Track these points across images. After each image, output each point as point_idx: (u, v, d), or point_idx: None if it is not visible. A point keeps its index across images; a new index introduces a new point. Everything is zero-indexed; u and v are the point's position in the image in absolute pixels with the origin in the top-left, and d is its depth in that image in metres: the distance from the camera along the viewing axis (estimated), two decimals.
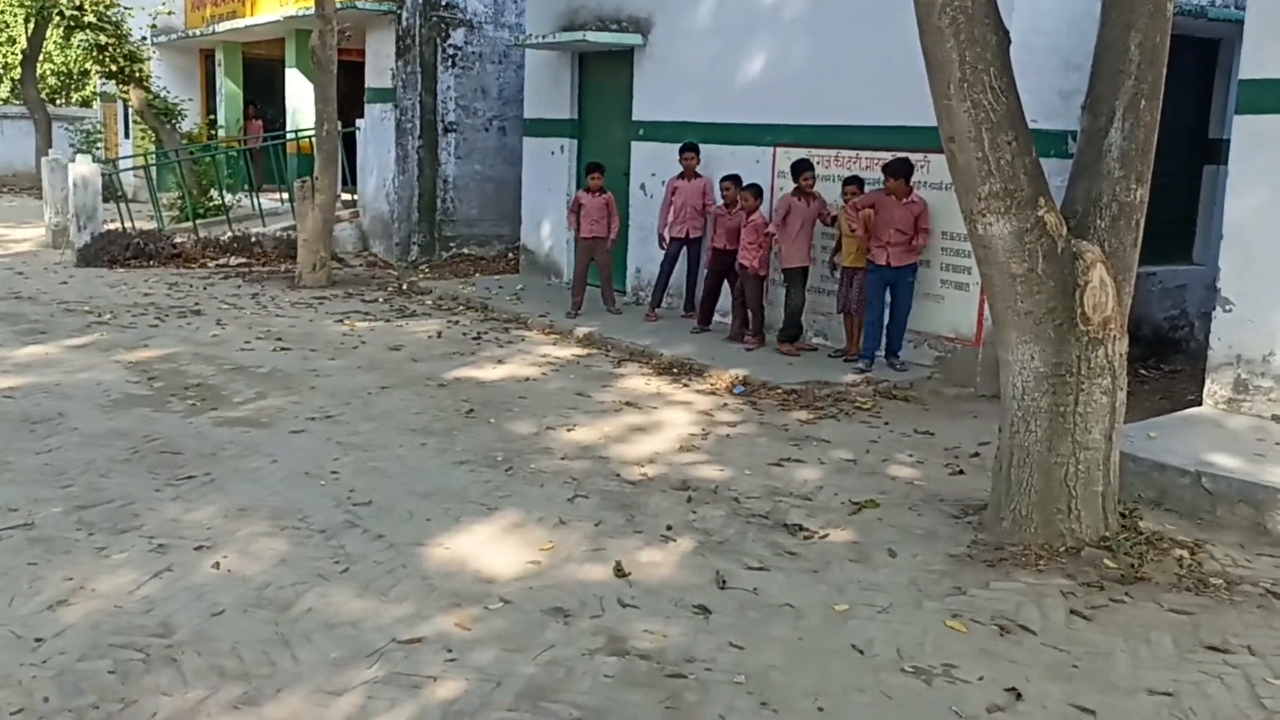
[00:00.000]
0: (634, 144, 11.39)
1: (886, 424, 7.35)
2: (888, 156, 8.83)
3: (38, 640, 3.93)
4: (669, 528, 5.30)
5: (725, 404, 7.79)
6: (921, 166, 8.55)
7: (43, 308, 10.69)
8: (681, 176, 10.22)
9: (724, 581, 4.66)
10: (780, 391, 7.99)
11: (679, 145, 10.25)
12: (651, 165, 11.13)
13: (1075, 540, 5.02)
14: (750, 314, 9.37)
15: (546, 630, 4.16)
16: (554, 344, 9.76)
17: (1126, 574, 4.77)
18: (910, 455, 6.65)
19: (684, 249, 10.29)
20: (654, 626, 4.21)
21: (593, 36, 11.20)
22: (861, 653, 4.06)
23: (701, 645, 4.08)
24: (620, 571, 4.73)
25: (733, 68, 10.18)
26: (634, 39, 11.11)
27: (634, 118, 11.39)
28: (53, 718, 3.43)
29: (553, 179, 12.67)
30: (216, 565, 4.67)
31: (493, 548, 4.99)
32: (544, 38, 11.85)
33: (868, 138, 9.02)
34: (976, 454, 6.69)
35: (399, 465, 6.16)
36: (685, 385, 8.32)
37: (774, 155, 9.89)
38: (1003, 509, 5.20)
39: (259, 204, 15.78)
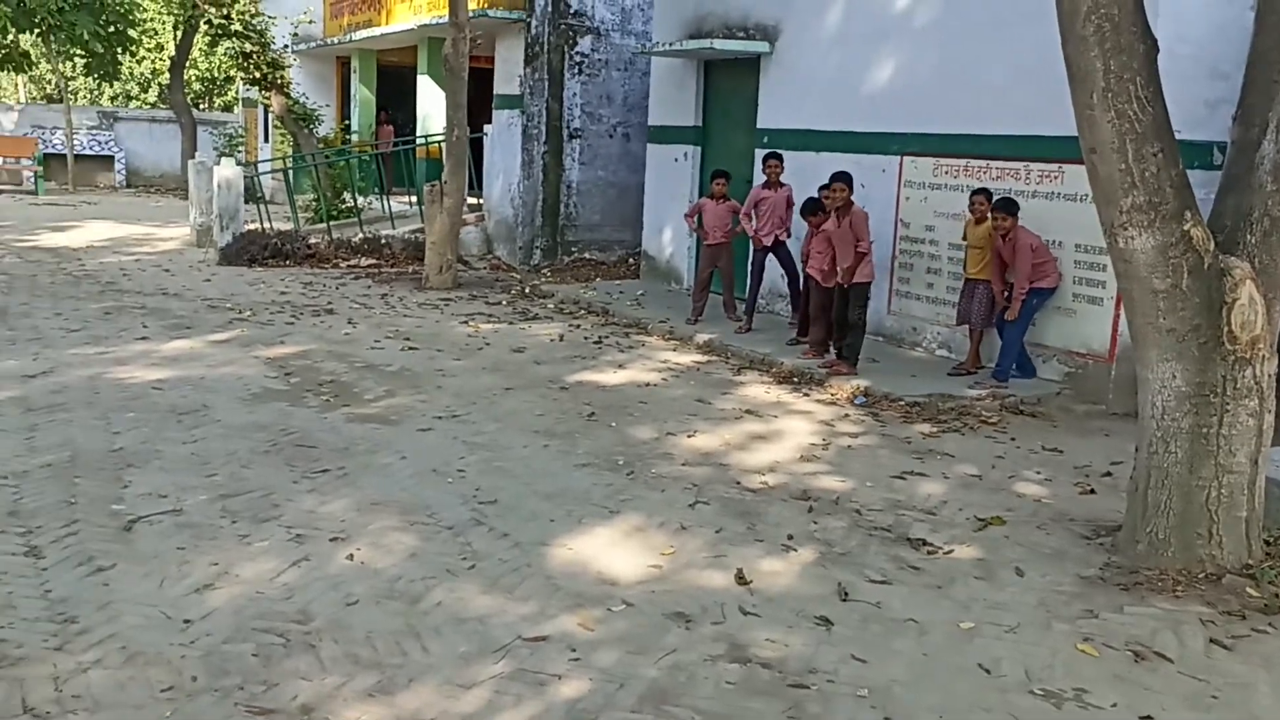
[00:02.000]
0: (758, 152, 11.37)
1: (1013, 440, 7.19)
2: (1018, 166, 8.65)
3: (186, 622, 4.12)
4: (790, 537, 5.28)
5: (846, 415, 7.72)
6: (1054, 177, 8.35)
7: (188, 304, 11.20)
8: (766, 185, 10.16)
9: (846, 594, 4.63)
10: (902, 404, 7.89)
11: (764, 153, 10.19)
12: None
13: (1216, 567, 4.84)
14: (833, 323, 9.03)
15: (668, 634, 4.20)
16: (674, 350, 9.81)
17: (1271, 604, 4.58)
18: (1038, 473, 6.50)
19: (770, 256, 10.21)
20: (775, 635, 4.21)
21: (719, 44, 11.23)
22: (988, 672, 3.98)
23: (823, 657, 4.06)
24: (741, 579, 4.74)
25: (860, 75, 10.09)
26: (761, 47, 11.10)
27: (759, 125, 11.38)
28: (200, 696, 3.60)
29: (675, 186, 12.74)
30: (350, 557, 4.83)
31: (614, 550, 5.05)
32: (670, 45, 11.93)
33: (998, 147, 8.84)
34: (1109, 473, 6.50)
35: (522, 466, 6.27)
36: (805, 395, 8.28)
37: (900, 165, 9.78)
38: (1138, 531, 5.04)
39: (389, 207, 16.25)
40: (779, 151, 10.14)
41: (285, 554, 4.83)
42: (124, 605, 4.23)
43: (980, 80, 8.94)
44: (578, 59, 14.58)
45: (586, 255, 15.15)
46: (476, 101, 15.34)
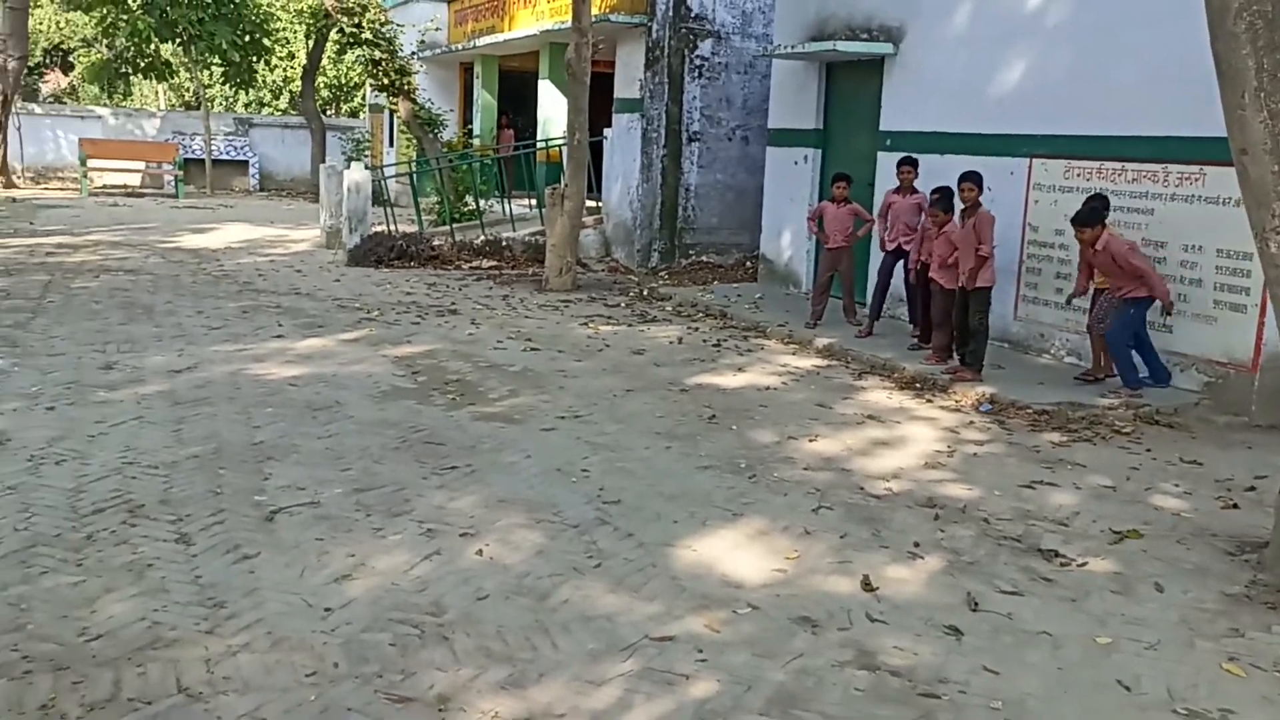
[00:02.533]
0: (880, 154, 11.24)
1: (1148, 451, 6.96)
2: (1156, 169, 8.37)
3: (326, 610, 4.28)
4: (916, 545, 5.21)
5: (971, 422, 7.58)
6: (1195, 180, 8.06)
7: (319, 303, 11.58)
8: (898, 191, 10.00)
9: (976, 603, 4.56)
10: (1030, 411, 7.71)
11: (898, 157, 10.03)
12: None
13: None
14: (953, 331, 8.88)
15: (795, 639, 4.19)
16: (793, 354, 9.76)
17: None
18: (1176, 485, 6.28)
19: (899, 261, 10.05)
20: (904, 643, 4.17)
21: (843, 46, 11.14)
22: (1128, 689, 3.87)
23: (954, 666, 4.00)
24: (868, 585, 4.70)
25: (988, 76, 9.90)
26: (885, 48, 10.97)
27: (881, 128, 11.24)
28: (342, 682, 3.73)
29: (795, 189, 12.68)
30: (480, 552, 4.94)
31: (738, 553, 5.06)
32: (792, 48, 11.88)
33: (1133, 149, 8.57)
34: (1252, 488, 6.24)
35: (644, 467, 6.32)
36: (929, 401, 8.16)
37: (1029, 167, 9.55)
38: None
39: (510, 209, 16.53)
40: (914, 156, 9.96)
41: (417, 548, 4.96)
42: (268, 592, 4.41)
43: (1114, 80, 8.68)
44: (698, 62, 14.62)
45: (704, 258, 15.18)
46: (596, 105, 15.52)
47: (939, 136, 10.41)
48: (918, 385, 8.55)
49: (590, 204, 15.85)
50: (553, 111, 17.90)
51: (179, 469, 5.89)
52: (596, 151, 15.82)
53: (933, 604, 4.55)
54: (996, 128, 9.85)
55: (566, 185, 13.10)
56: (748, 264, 14.70)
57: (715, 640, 4.15)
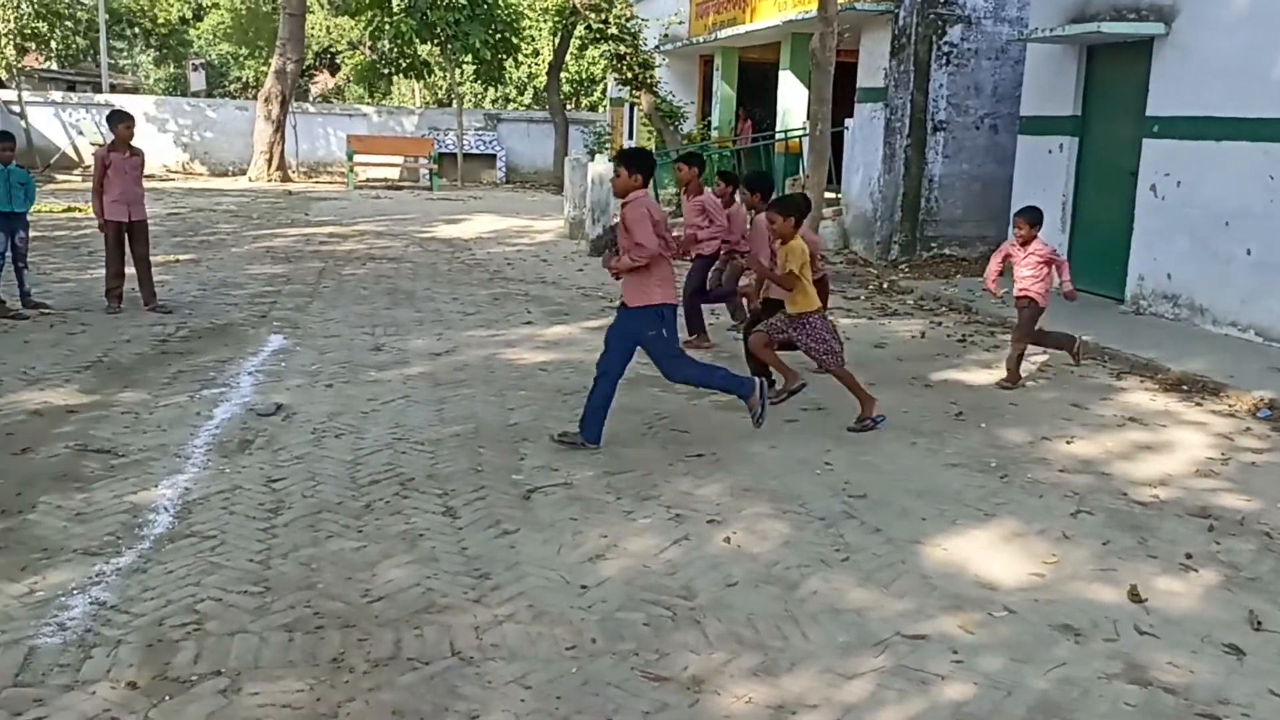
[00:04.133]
0: (1145, 141, 10.58)
1: None
2: None
3: (583, 587, 4.44)
4: (1188, 556, 4.91)
5: (1248, 428, 7.05)
6: None
7: (564, 292, 11.98)
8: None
9: (1259, 622, 4.25)
10: None
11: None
12: (1166, 164, 10.29)
13: None
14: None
15: (1056, 646, 4.03)
16: (1044, 351, 9.34)
17: None
18: None
19: None
20: (1178, 660, 3.94)
21: (1108, 27, 10.54)
22: None
23: (1236, 688, 3.75)
24: (1136, 596, 4.46)
25: (1272, 56, 9.13)
26: (1155, 28, 10.31)
27: (1148, 113, 10.58)
28: (600, 658, 3.87)
29: (1048, 179, 12.11)
30: (727, 539, 5.00)
31: (992, 554, 4.90)
32: (1051, 31, 11.34)
33: None
34: None
35: (890, 462, 6.22)
36: (1198, 404, 7.64)
37: None
38: None
39: None
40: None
41: (666, 532, 5.08)
42: (528, 567, 4.62)
43: None
44: (945, 49, 14.18)
45: (946, 251, 14.73)
46: (837, 95, 15.32)
47: (1214, 122, 9.69)
48: (1185, 387, 8.02)
49: (829, 195, 15.69)
50: (793, 103, 17.80)
51: (443, 446, 6.25)
52: (837, 143, 15.62)
53: (1209, 620, 4.27)
54: None
55: (806, 176, 13.00)
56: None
57: (970, 642, 4.05)
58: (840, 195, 16.01)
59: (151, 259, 10.20)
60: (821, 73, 12.54)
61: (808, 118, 13.04)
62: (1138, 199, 10.66)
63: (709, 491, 5.65)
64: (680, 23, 21.49)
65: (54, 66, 38.33)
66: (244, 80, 46.21)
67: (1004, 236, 13.28)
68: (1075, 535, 5.15)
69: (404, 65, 28.65)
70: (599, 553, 4.81)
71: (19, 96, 26.01)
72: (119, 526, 4.91)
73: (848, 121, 15.65)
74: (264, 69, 34.96)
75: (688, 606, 4.29)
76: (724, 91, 20.58)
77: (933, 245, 14.70)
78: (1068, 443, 6.65)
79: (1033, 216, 8.06)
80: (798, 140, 16.89)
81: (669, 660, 3.86)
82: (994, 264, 8.28)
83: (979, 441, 6.66)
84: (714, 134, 20.00)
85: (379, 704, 3.51)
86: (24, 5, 26.92)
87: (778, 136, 17.72)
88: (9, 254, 9.57)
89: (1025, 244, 8.01)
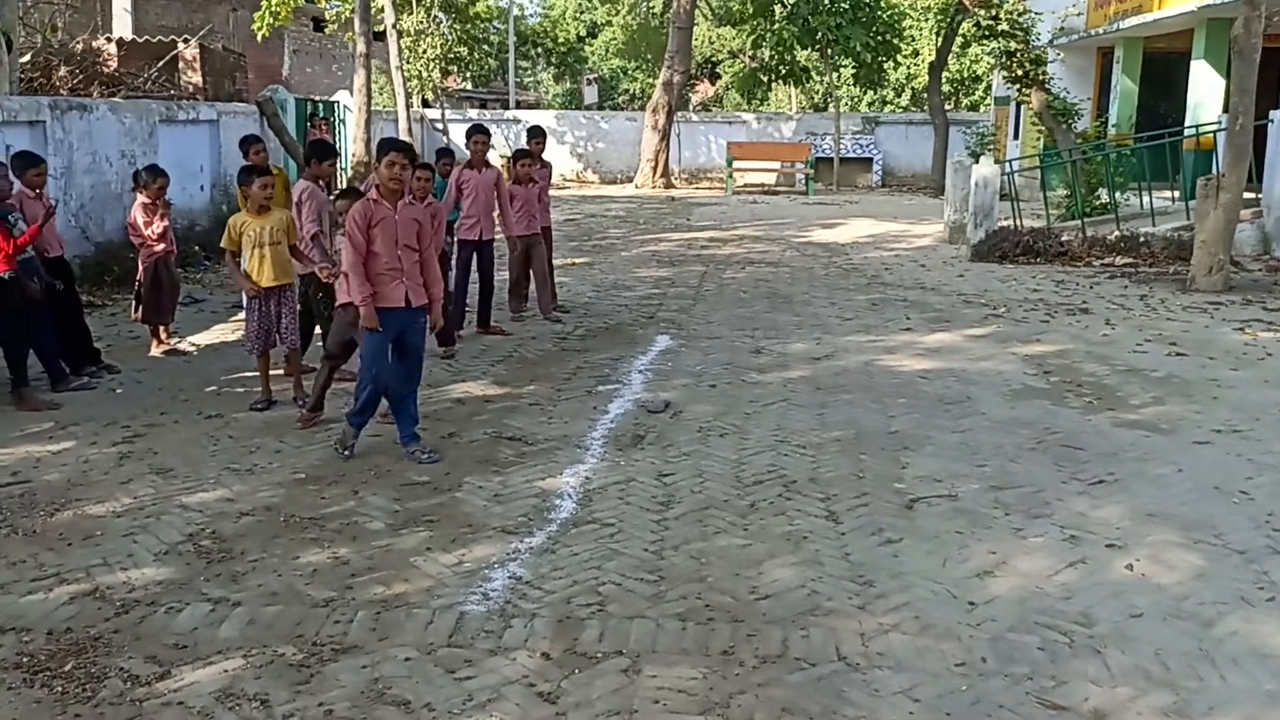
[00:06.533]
0: None
1: None
2: None
3: (970, 604, 4.32)
4: None
5: None
6: None
7: (944, 298, 11.67)
8: None
9: None
10: None
11: None
12: None
13: None
14: None
15: None
16: None
17: None
18: None
19: None
20: None
21: None
22: None
23: None
24: None
25: None
26: None
27: None
28: (991, 678, 3.75)
29: None
30: (1129, 567, 4.68)
31: None
32: None
33: None
34: None
35: None
36: None
37: None
38: None
39: (1149, 203, 15.33)
40: None
41: (1060, 553, 4.83)
42: (912, 577, 4.56)
43: None
44: None
45: None
46: (1261, 86, 13.82)
47: None
48: None
49: (1248, 196, 14.18)
50: (1205, 95, 16.26)
51: (824, 450, 6.30)
52: (1259, 137, 14.07)
53: None
54: None
55: (1222, 175, 11.83)
56: None
57: None
58: (1260, 196, 14.42)
59: (551, 264, 10.97)
60: (1244, 61, 11.40)
61: (1224, 111, 11.83)
62: None
63: (1107, 514, 5.31)
64: (1078, 14, 20.24)
65: (469, 86, 42.36)
66: (631, 92, 48.80)
67: None
68: None
69: (784, 72, 29.02)
70: (987, 569, 4.66)
71: (442, 114, 28.96)
72: (530, 509, 5.37)
73: (1272, 114, 14.07)
74: (651, 81, 36.72)
75: (1086, 634, 4.06)
76: (1125, 85, 19.14)
77: None
78: None
79: None
80: (1211, 136, 15.41)
81: (1067, 689, 3.67)
82: None
83: None
84: (1111, 131, 18.67)
85: (769, 699, 3.61)
86: (449, 33, 29.99)
87: (1187, 132, 16.24)
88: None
89: None
